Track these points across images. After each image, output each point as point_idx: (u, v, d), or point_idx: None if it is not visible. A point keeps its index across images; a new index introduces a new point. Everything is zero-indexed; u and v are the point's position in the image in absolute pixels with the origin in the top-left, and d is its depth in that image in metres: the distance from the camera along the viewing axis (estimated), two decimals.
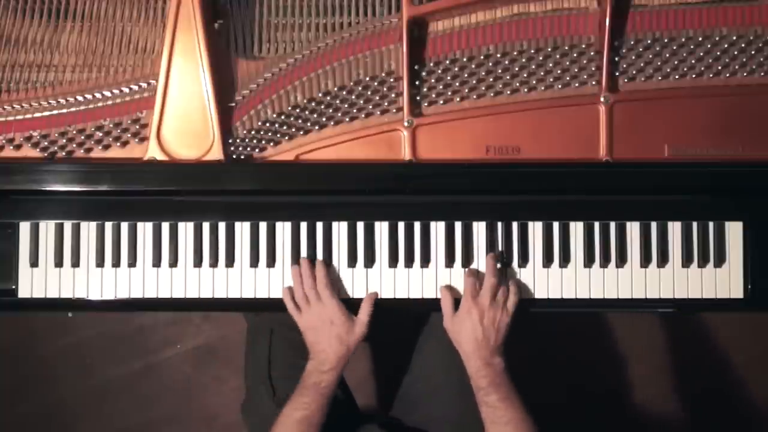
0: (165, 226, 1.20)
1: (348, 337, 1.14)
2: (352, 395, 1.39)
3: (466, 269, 1.17)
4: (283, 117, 1.19)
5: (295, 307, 1.17)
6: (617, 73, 1.20)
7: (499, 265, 1.17)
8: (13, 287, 1.20)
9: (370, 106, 1.19)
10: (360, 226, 1.21)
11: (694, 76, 1.19)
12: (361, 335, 1.15)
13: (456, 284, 1.19)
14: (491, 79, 1.19)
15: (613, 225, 1.21)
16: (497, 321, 1.12)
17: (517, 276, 1.20)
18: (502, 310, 1.13)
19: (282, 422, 1.11)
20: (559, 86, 1.20)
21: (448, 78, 1.19)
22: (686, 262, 1.20)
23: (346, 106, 1.19)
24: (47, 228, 1.20)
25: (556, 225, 1.21)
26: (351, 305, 1.20)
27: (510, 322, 1.14)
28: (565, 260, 1.20)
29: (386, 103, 1.19)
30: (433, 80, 1.20)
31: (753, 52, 1.19)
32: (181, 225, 1.20)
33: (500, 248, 1.20)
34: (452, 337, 1.15)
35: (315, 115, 1.19)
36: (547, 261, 1.20)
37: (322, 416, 1.11)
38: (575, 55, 1.19)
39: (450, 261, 1.20)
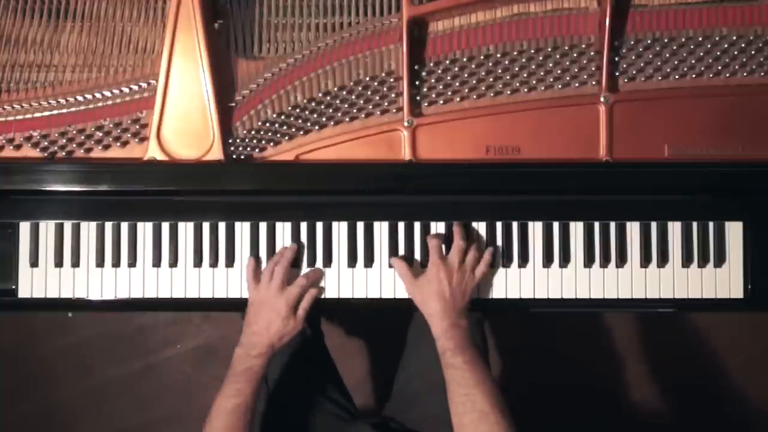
0: (165, 226, 1.20)
1: (284, 330, 1.14)
2: (350, 395, 1.39)
3: (431, 235, 1.18)
4: (283, 117, 1.19)
5: (255, 279, 1.17)
6: (617, 73, 1.20)
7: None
8: (13, 287, 1.20)
9: (370, 106, 1.19)
10: (360, 226, 1.21)
11: (694, 76, 1.19)
12: (295, 330, 1.15)
13: None
14: (491, 79, 1.19)
15: (613, 225, 1.21)
16: (464, 283, 1.14)
17: (518, 276, 1.20)
18: (469, 273, 1.15)
19: (217, 412, 1.09)
20: (559, 86, 1.20)
21: (448, 78, 1.19)
22: (686, 262, 1.20)
23: (346, 106, 1.19)
24: (47, 228, 1.20)
25: (556, 225, 1.21)
26: (350, 305, 1.20)
27: (475, 288, 1.16)
28: (565, 260, 1.20)
29: (386, 103, 1.19)
30: (433, 80, 1.20)
31: (753, 52, 1.19)
32: (181, 225, 1.20)
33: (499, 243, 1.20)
34: (417, 300, 1.16)
35: (315, 115, 1.19)
36: (547, 261, 1.20)
37: (255, 399, 1.11)
38: (575, 55, 1.19)
39: None
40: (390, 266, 1.20)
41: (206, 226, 1.20)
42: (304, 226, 1.20)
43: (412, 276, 1.16)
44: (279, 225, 1.20)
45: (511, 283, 1.20)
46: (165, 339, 2.00)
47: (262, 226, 1.20)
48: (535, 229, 1.21)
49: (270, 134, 1.19)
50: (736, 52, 1.19)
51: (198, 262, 1.20)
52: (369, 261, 1.20)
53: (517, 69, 1.19)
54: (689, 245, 1.20)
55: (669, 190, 1.20)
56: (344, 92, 1.19)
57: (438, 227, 1.20)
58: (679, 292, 1.20)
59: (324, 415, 1.28)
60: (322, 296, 1.20)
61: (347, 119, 1.19)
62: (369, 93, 1.19)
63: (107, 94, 1.19)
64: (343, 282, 1.20)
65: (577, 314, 1.90)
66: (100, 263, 1.20)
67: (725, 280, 1.20)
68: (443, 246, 1.18)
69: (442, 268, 1.13)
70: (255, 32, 1.22)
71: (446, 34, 1.20)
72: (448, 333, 1.11)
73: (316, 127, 1.19)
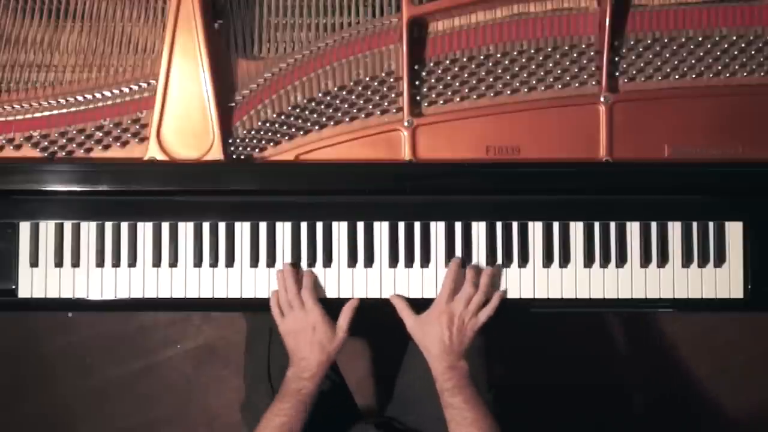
0: (165, 226, 1.20)
1: (329, 345, 1.14)
2: (352, 396, 1.39)
3: (450, 270, 1.17)
4: (283, 117, 1.19)
5: (279, 312, 1.17)
6: (617, 73, 1.20)
7: (486, 271, 1.17)
8: (13, 287, 1.20)
9: (370, 106, 1.19)
10: (360, 226, 1.20)
11: (694, 76, 1.19)
12: (341, 343, 1.16)
13: None
14: (491, 79, 1.19)
15: (613, 225, 1.21)
16: (465, 327, 1.13)
17: (518, 276, 1.20)
18: (471, 319, 1.14)
19: (263, 428, 1.11)
20: (559, 86, 1.20)
21: (448, 78, 1.19)
22: (686, 262, 1.20)
23: (346, 106, 1.19)
24: (47, 228, 1.20)
25: (556, 225, 1.21)
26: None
27: (478, 331, 1.15)
28: (565, 260, 1.20)
29: (386, 103, 1.19)
30: (433, 80, 1.20)
31: (753, 52, 1.19)
32: (181, 225, 1.20)
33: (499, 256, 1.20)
34: (417, 340, 1.16)
35: (315, 115, 1.19)
36: (547, 261, 1.20)
37: (302, 422, 1.12)
38: (575, 55, 1.19)
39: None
40: (390, 267, 1.20)
41: (206, 226, 1.20)
42: (304, 226, 1.20)
43: (413, 314, 1.16)
44: (279, 225, 1.20)
45: (511, 283, 1.20)
46: (165, 339, 2.00)
47: (262, 226, 1.20)
48: (535, 229, 1.21)
49: (270, 134, 1.19)
50: (736, 52, 1.19)
51: (198, 262, 1.20)
52: (369, 261, 1.20)
53: (517, 69, 1.19)
54: (689, 245, 1.20)
55: (669, 190, 1.20)
56: (344, 92, 1.19)
57: (438, 227, 1.20)
58: (679, 292, 1.20)
59: (326, 415, 1.28)
60: (326, 296, 1.20)
61: (347, 119, 1.19)
62: (369, 93, 1.19)
63: (107, 94, 1.19)
64: (343, 282, 1.20)
65: (577, 314, 1.90)
66: (100, 263, 1.20)
67: (725, 281, 1.20)
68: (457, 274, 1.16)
69: (445, 311, 1.13)
70: (255, 32, 1.22)
71: (446, 34, 1.20)
72: (445, 374, 1.12)
73: (316, 127, 1.19)
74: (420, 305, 1.19)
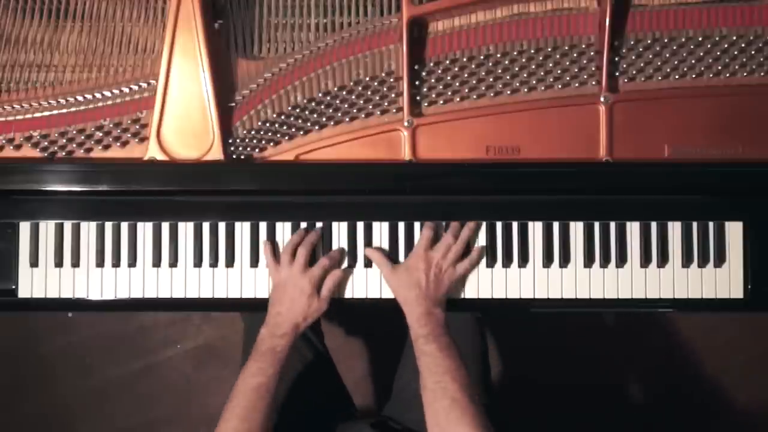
0: (165, 226, 1.20)
1: (308, 310, 1.14)
2: (350, 396, 1.39)
3: (427, 224, 1.18)
4: (283, 117, 1.19)
5: (275, 261, 1.17)
6: (617, 73, 1.20)
7: (468, 224, 1.18)
8: (13, 287, 1.20)
9: (370, 106, 1.19)
10: (360, 226, 1.21)
11: (694, 76, 1.19)
12: (320, 311, 1.15)
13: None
14: (491, 79, 1.19)
15: (613, 225, 1.21)
16: (443, 274, 1.14)
17: (518, 276, 1.20)
18: (450, 267, 1.14)
19: (239, 389, 1.09)
20: (559, 86, 1.20)
21: (448, 78, 1.19)
22: (686, 262, 1.20)
23: (346, 106, 1.19)
24: (47, 228, 1.20)
25: (556, 225, 1.21)
26: (351, 306, 1.20)
27: (455, 281, 1.15)
28: (565, 260, 1.20)
29: (386, 103, 1.19)
30: (433, 80, 1.20)
31: (753, 52, 1.19)
32: (181, 225, 1.20)
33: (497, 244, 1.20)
34: (393, 288, 1.16)
35: (315, 115, 1.19)
36: (547, 261, 1.20)
37: (277, 382, 1.10)
38: (575, 55, 1.19)
39: None
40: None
41: (206, 226, 1.20)
42: (304, 226, 1.20)
43: (390, 263, 1.17)
44: (279, 225, 1.20)
45: (511, 283, 1.20)
46: (165, 339, 2.00)
47: (262, 226, 1.21)
48: (535, 229, 1.21)
49: (270, 134, 1.19)
50: (736, 52, 1.19)
51: (198, 262, 1.20)
52: (369, 261, 1.20)
53: (517, 69, 1.19)
54: (689, 245, 1.20)
55: (669, 190, 1.20)
56: (344, 92, 1.19)
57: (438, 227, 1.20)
58: (679, 292, 1.20)
59: (323, 416, 1.28)
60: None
61: (347, 119, 1.19)
62: (369, 93, 1.19)
63: (107, 94, 1.19)
64: (343, 282, 1.20)
65: (577, 314, 1.90)
66: (100, 263, 1.20)
67: (725, 281, 1.20)
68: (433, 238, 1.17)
69: (423, 258, 1.14)
70: (255, 32, 1.22)
71: (446, 34, 1.20)
72: (421, 320, 1.10)
73: (316, 127, 1.19)
74: None
